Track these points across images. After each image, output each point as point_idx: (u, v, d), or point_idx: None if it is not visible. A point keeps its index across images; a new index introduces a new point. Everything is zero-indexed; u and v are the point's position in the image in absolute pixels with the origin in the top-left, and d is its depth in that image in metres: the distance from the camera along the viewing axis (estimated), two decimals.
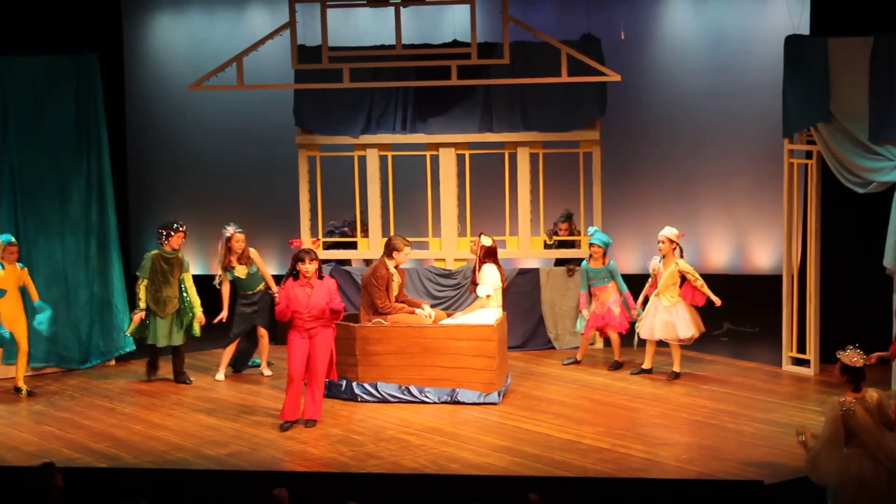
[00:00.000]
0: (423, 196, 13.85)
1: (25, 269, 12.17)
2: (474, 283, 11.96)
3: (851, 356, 8.24)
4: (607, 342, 13.13)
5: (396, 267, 11.72)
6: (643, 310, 12.40)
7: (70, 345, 13.05)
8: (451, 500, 9.09)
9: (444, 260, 13.84)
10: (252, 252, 12.58)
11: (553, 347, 13.65)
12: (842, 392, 8.24)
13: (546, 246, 13.78)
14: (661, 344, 12.41)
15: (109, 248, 13.30)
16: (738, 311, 14.14)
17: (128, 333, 12.74)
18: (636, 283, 12.66)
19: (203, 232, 15.38)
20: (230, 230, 12.49)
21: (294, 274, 10.68)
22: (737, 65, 14.84)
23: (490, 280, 11.82)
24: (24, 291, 12.14)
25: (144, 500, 7.91)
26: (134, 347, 13.26)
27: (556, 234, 13.83)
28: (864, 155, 11.63)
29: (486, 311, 11.73)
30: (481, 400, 11.44)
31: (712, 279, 12.55)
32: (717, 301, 12.09)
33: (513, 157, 13.66)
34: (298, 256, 10.70)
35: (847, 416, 8.06)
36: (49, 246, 12.97)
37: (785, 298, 12.63)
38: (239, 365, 12.87)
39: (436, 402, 11.46)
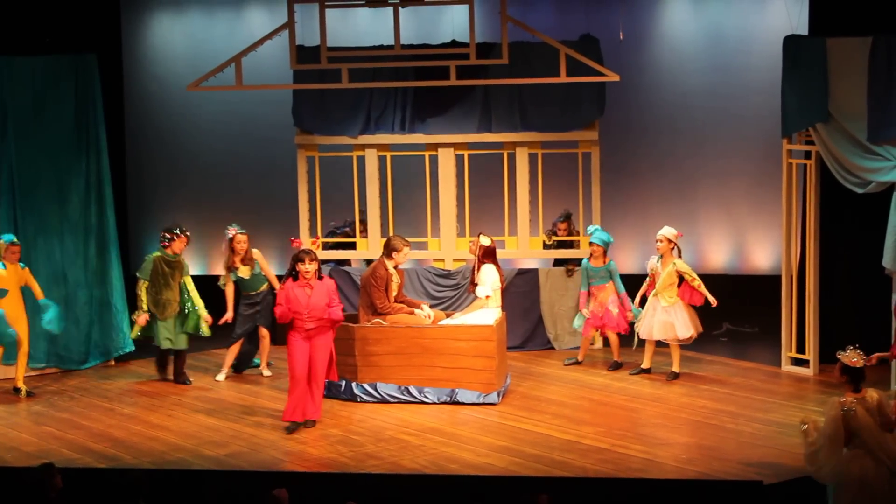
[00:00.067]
0: (422, 196, 13.84)
1: (27, 268, 12.18)
2: (473, 284, 11.95)
3: (851, 357, 8.24)
4: (606, 342, 13.14)
5: (395, 267, 11.71)
6: (640, 309, 12.41)
7: (69, 345, 13.04)
8: (451, 500, 9.08)
9: (443, 260, 13.83)
10: (255, 253, 12.56)
11: (552, 347, 13.65)
12: (842, 392, 8.24)
13: (545, 246, 13.77)
14: (660, 344, 12.42)
15: (108, 249, 13.29)
16: (738, 312, 14.16)
17: (133, 336, 12.72)
18: (635, 284, 12.64)
19: (202, 232, 15.34)
20: (232, 231, 12.48)
21: (294, 274, 10.68)
22: (736, 65, 14.81)
23: (489, 280, 11.81)
24: (27, 291, 12.14)
25: (144, 501, 7.90)
26: (133, 348, 13.24)
27: (555, 234, 13.83)
28: (862, 155, 11.63)
29: (486, 311, 11.73)
30: (481, 400, 11.43)
31: (711, 279, 12.56)
32: (714, 301, 12.10)
33: (512, 158, 13.66)
34: (298, 257, 10.69)
35: (848, 416, 8.05)
36: (48, 246, 12.97)
37: (784, 298, 12.63)
38: (240, 366, 12.86)
39: (435, 403, 11.46)
